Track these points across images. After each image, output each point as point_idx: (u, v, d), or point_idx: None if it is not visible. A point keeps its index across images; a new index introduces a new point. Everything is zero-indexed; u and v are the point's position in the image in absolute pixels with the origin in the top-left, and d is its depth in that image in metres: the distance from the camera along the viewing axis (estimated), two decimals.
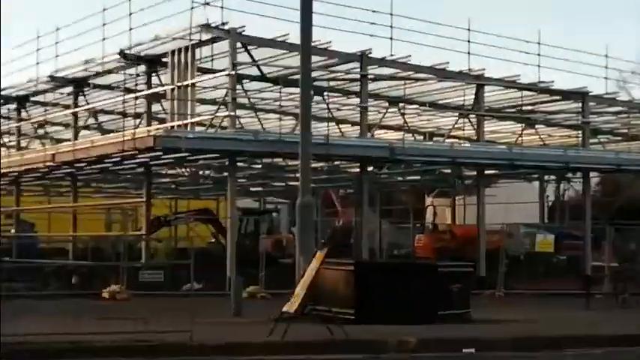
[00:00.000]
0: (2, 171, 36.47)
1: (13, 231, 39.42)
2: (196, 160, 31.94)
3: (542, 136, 38.24)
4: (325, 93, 32.35)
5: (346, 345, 14.77)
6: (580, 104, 34.87)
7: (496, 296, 26.60)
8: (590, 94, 34.48)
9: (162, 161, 31.59)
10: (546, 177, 43.10)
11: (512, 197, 42.28)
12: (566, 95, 34.45)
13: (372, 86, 31.49)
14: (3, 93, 37.08)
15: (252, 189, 44.08)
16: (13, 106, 38.70)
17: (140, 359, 13.87)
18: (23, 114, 38.83)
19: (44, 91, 36.20)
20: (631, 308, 22.12)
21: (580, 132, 36.26)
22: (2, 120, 40.94)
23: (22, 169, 35.52)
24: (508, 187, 42.76)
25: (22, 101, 38.05)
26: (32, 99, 37.74)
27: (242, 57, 28.06)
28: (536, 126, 37.68)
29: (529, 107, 36.18)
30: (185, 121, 27.98)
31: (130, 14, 28.17)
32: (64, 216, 39.56)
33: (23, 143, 39.90)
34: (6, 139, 41.14)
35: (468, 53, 30.39)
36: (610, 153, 38.58)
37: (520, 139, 37.67)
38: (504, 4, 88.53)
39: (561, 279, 32.91)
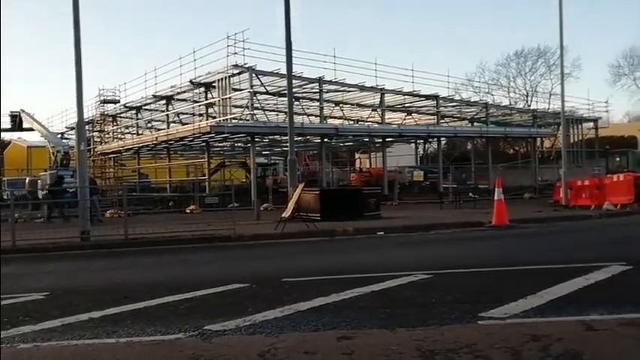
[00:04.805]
0: (127, 146, 36.24)
1: (136, 179, 39.18)
2: (233, 138, 31.71)
3: (415, 120, 38.30)
4: (300, 100, 32.15)
5: (316, 233, 14.82)
6: (435, 102, 34.91)
7: (393, 205, 26.70)
8: (440, 96, 34.51)
9: (215, 139, 31.37)
10: (418, 141, 43.16)
11: (400, 152, 42.45)
12: (427, 97, 34.43)
13: (325, 95, 31.32)
14: (128, 104, 36.61)
15: (263, 152, 43.76)
16: (134, 111, 38.15)
17: (207, 244, 13.86)
18: (139, 115, 38.30)
19: (150, 103, 35.70)
20: (463, 209, 22.32)
21: (435, 117, 36.36)
22: (127, 119, 40.49)
23: (140, 145, 35.16)
24: (398, 147, 42.84)
25: (139, 109, 37.52)
26: (144, 107, 37.19)
27: (255, 81, 27.78)
28: (412, 114, 37.69)
29: (408, 104, 36.17)
30: (226, 117, 27.70)
31: (195, 60, 27.93)
32: (163, 170, 39.31)
33: (140, 131, 39.39)
34: (131, 129, 40.59)
35: (376, 76, 30.39)
36: (451, 127, 38.78)
37: (404, 121, 37.69)
38: (395, 45, 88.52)
39: (427, 194, 33.11)
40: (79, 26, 14.63)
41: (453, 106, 38.66)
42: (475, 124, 41.00)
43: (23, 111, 39.63)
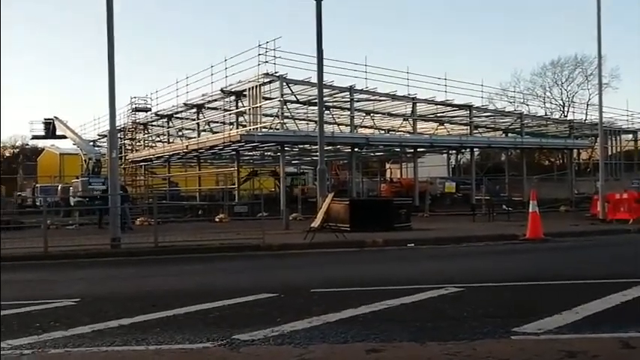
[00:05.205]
0: (158, 155, 36.71)
1: (166, 187, 39.63)
2: (263, 147, 31.87)
3: (447, 130, 38.08)
4: (331, 109, 32.22)
5: (345, 243, 14.80)
6: (468, 112, 34.65)
7: (424, 216, 26.49)
8: (474, 105, 34.24)
9: (244, 148, 31.56)
10: (450, 152, 42.81)
11: (432, 163, 42.21)
12: (460, 107, 34.17)
13: (356, 104, 31.32)
14: (159, 113, 37.10)
15: (293, 162, 43.85)
16: (165, 120, 38.61)
17: (236, 253, 13.95)
18: (170, 124, 38.74)
19: (181, 112, 36.10)
20: (496, 221, 22.04)
21: (468, 127, 36.08)
22: (158, 128, 41.04)
23: (171, 153, 35.57)
24: (430, 157, 42.60)
25: (170, 117, 37.97)
26: (175, 116, 37.62)
27: (286, 90, 27.91)
28: (445, 124, 37.47)
29: (441, 114, 35.98)
30: (256, 126, 27.87)
31: (226, 68, 28.11)
32: (193, 178, 39.72)
33: (171, 139, 39.82)
34: (162, 138, 41.04)
35: (407, 86, 30.25)
36: (484, 138, 38.41)
37: (436, 131, 37.48)
38: (427, 57, 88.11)
39: (459, 206, 32.80)
40: (113, 38, 14.97)
41: (487, 117, 38.31)
42: (509, 134, 40.54)
43: (57, 118, 40.44)
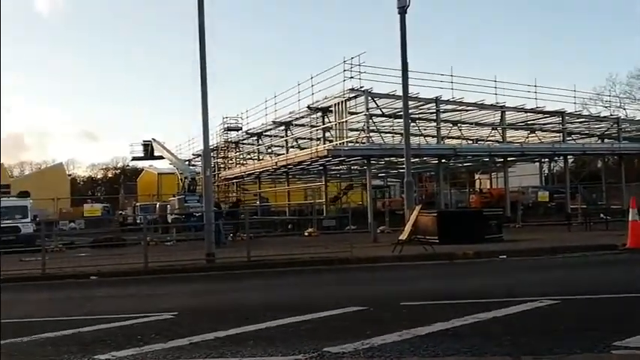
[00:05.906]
0: (249, 171, 37.63)
1: (257, 202, 40.45)
2: (349, 161, 32.01)
3: (539, 137, 36.83)
4: (417, 120, 31.96)
5: (434, 256, 14.61)
6: (560, 118, 33.44)
7: (516, 227, 25.67)
8: (566, 112, 33.00)
9: (331, 162, 31.82)
10: (543, 160, 41.33)
11: (523, 172, 40.91)
12: (552, 113, 33.03)
13: (442, 115, 30.91)
14: (250, 131, 38.05)
15: (379, 174, 43.66)
16: (255, 138, 39.56)
17: (325, 266, 14.07)
18: (260, 141, 39.64)
19: (270, 129, 36.90)
20: (594, 231, 21.06)
21: (561, 134, 34.79)
22: (248, 145, 42.08)
23: (261, 170, 36.38)
24: (521, 166, 41.29)
25: (260, 135, 38.88)
26: (264, 134, 38.47)
27: (371, 104, 27.93)
28: (536, 132, 36.29)
29: (531, 121, 34.91)
30: (342, 141, 28.07)
31: (312, 85, 28.58)
32: (282, 193, 40.35)
33: (261, 156, 40.69)
34: (252, 155, 42.00)
35: (495, 94, 29.63)
36: (578, 145, 36.87)
37: (527, 139, 36.34)
38: (516, 64, 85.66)
39: (553, 216, 31.62)
40: (205, 68, 15.81)
41: (581, 122, 36.75)
42: (606, 140, 38.65)
43: (154, 140, 42.24)
